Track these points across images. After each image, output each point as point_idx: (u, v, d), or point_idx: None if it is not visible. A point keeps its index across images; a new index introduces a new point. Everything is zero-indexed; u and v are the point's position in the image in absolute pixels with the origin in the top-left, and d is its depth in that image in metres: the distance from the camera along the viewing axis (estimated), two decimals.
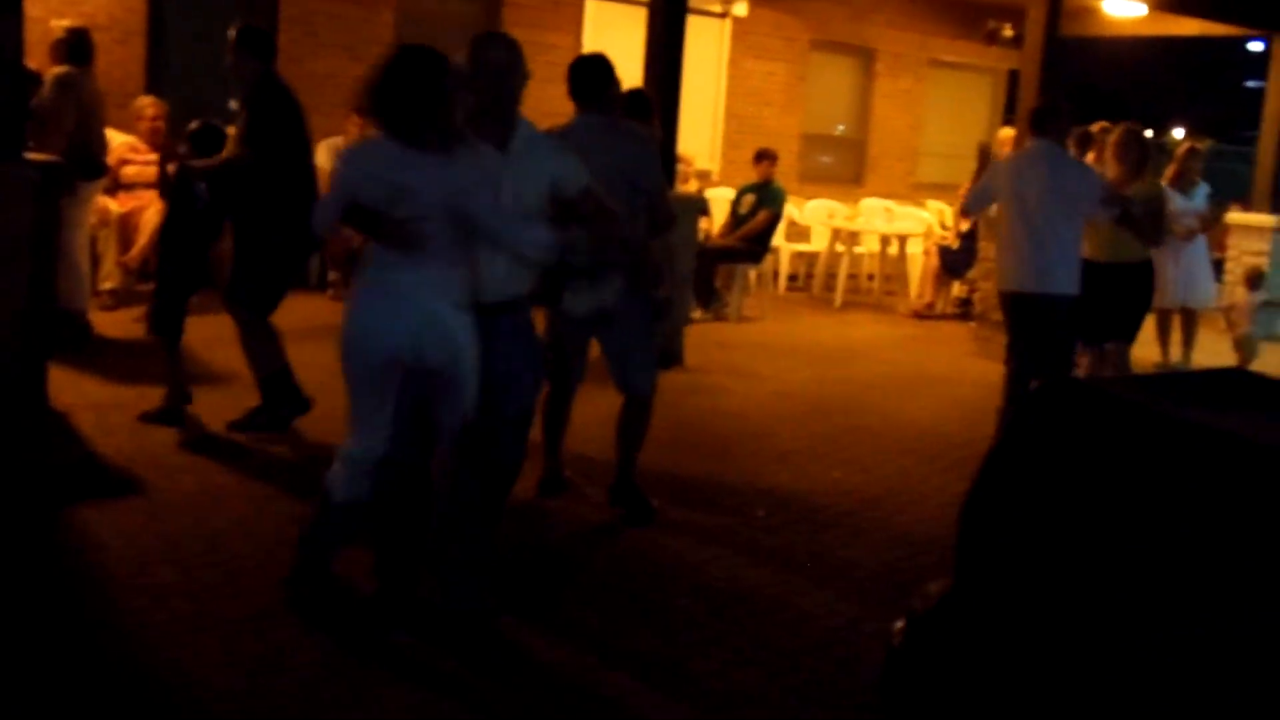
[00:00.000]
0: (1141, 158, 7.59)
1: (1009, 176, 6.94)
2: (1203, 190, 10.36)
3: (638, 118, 5.87)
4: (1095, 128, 10.27)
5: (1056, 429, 1.91)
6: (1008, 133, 11.74)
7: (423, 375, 3.94)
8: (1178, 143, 23.34)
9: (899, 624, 2.00)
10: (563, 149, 4.42)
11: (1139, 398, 1.90)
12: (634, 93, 6.12)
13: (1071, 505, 1.87)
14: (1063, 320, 6.73)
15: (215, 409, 6.23)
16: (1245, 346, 10.07)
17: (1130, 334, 7.69)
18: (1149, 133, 8.98)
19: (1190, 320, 10.17)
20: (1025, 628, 1.86)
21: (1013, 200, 6.79)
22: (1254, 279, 10.43)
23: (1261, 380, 2.07)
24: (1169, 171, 10.63)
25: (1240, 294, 10.40)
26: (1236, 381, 2.05)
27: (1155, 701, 1.73)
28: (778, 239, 12.07)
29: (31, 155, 6.23)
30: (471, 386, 3.93)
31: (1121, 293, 7.45)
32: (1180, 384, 2.06)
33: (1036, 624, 1.85)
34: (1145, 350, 10.28)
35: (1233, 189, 14.53)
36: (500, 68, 4.22)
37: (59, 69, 7.38)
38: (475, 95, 4.07)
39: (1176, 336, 10.20)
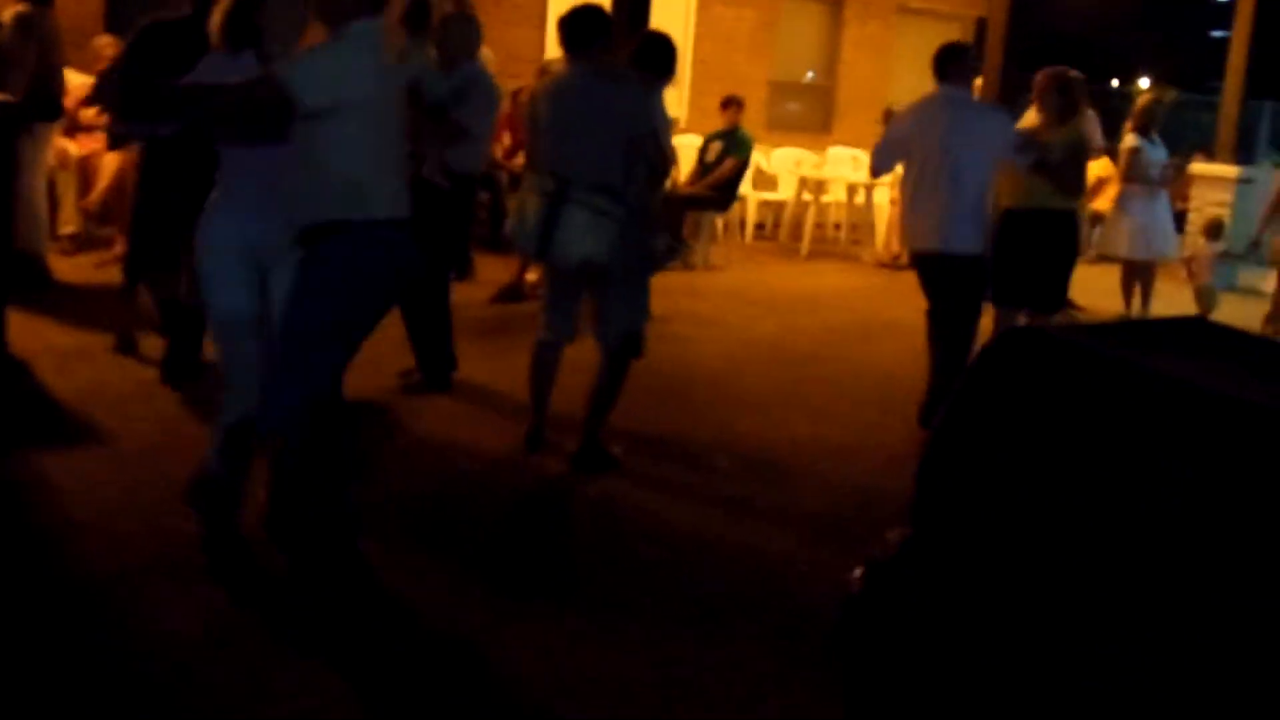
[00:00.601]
0: (1065, 104, 6.97)
1: (910, 127, 6.49)
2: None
3: (650, 68, 5.67)
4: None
5: (1017, 377, 1.91)
6: (975, 82, 11.71)
7: None
8: (1142, 92, 23.40)
9: (857, 571, 2.02)
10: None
11: (1101, 346, 1.91)
12: (649, 41, 5.82)
13: (1031, 454, 1.88)
14: (968, 282, 6.33)
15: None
16: (1205, 297, 10.16)
17: (1051, 302, 6.94)
18: (1115, 82, 8.97)
19: (1147, 272, 10.24)
20: (982, 576, 1.88)
21: (915, 152, 6.33)
22: (1213, 230, 10.50)
23: (1223, 330, 2.09)
24: (1127, 124, 10.63)
25: (1201, 245, 10.47)
26: (1199, 331, 2.06)
27: (1113, 652, 1.75)
28: (745, 187, 12.04)
29: None
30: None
31: (1041, 245, 6.78)
32: (1142, 332, 2.07)
33: (994, 572, 1.87)
34: (1108, 301, 10.38)
35: (1198, 139, 14.60)
36: None
37: (18, 7, 7.24)
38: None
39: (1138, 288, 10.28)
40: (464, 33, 6.22)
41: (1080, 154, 7.10)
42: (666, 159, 5.44)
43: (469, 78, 6.07)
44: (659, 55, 5.67)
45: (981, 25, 13.86)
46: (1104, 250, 11.13)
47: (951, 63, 6.45)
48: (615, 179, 5.08)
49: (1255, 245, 10.89)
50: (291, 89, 3.51)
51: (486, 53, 10.32)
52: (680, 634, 3.91)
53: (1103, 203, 12.12)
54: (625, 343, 5.35)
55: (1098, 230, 11.89)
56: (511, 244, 5.89)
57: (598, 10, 5.34)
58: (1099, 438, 1.87)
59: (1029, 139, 6.69)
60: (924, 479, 1.91)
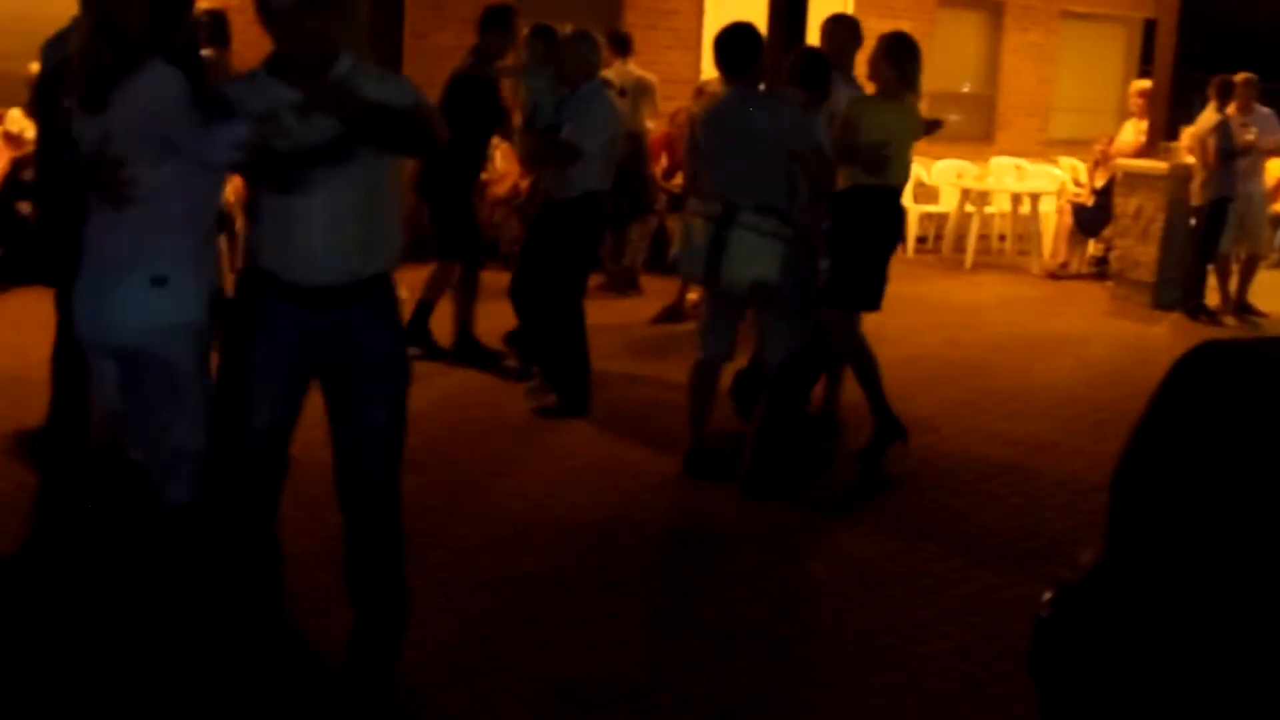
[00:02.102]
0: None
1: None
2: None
3: (810, 86, 5.64)
4: (1239, 78, 9.91)
5: (1214, 391, 1.84)
6: (1141, 84, 11.37)
7: None
8: None
9: (1047, 595, 1.96)
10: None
11: None
12: (807, 59, 5.85)
13: (1229, 472, 1.80)
14: None
15: None
16: None
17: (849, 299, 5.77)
18: None
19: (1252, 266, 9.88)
20: (1180, 600, 1.81)
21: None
22: None
23: None
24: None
25: None
26: None
27: None
28: (905, 200, 11.86)
29: None
30: None
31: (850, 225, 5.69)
32: None
33: (1190, 595, 1.80)
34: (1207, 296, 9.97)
35: None
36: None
37: (204, 53, 7.51)
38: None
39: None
40: (580, 52, 6.25)
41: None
42: (830, 176, 5.38)
43: (584, 97, 6.13)
44: (818, 73, 5.64)
45: (1150, 26, 13.45)
46: None
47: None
48: (780, 200, 5.06)
49: None
50: None
51: (648, 75, 10.47)
52: (852, 654, 3.86)
53: None
54: (790, 363, 5.31)
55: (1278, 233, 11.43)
56: (677, 270, 5.88)
57: (752, 30, 5.33)
58: None
59: None
60: (1117, 498, 1.85)
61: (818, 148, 5.24)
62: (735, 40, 5.27)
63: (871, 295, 5.77)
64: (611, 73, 9.70)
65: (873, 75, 5.90)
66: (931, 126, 6.33)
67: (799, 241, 5.10)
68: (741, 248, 4.97)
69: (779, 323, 5.28)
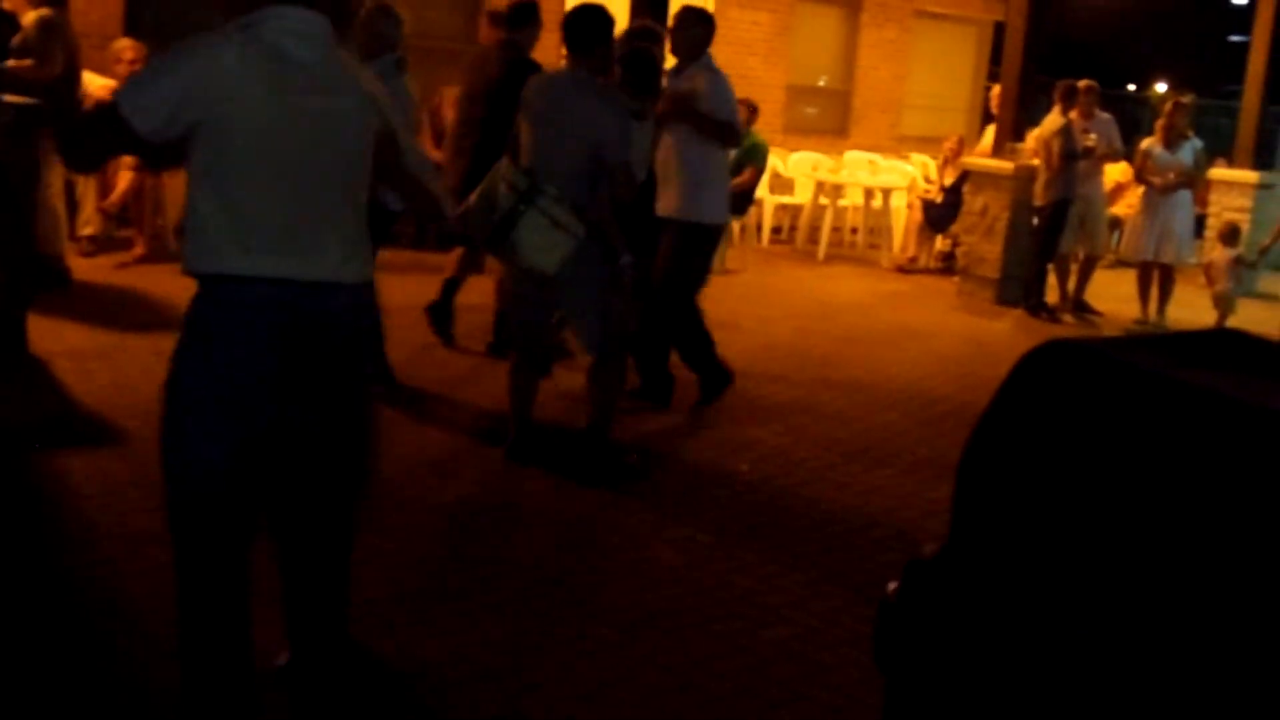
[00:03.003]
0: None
1: None
2: (1191, 145, 10.36)
3: (638, 90, 5.66)
4: (1082, 84, 10.26)
5: (1053, 389, 1.90)
6: (995, 89, 11.69)
7: None
8: (1160, 97, 23.32)
9: (892, 585, 2.01)
10: None
11: (1135, 358, 1.89)
12: (630, 59, 5.80)
13: (1067, 468, 1.86)
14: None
15: None
16: (1223, 303, 10.12)
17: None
18: (1131, 87, 8.95)
19: (1167, 275, 10.22)
20: (1017, 588, 1.87)
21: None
22: (1229, 235, 10.46)
23: (1256, 341, 2.07)
24: (1157, 125, 10.63)
25: (1219, 250, 10.43)
26: (1231, 342, 2.04)
27: (1150, 672, 1.73)
28: (761, 191, 12.02)
29: (8, 98, 6.15)
30: None
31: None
32: (1175, 345, 2.05)
33: (1028, 584, 1.86)
34: (1126, 306, 10.35)
35: (1216, 144, 14.54)
36: None
37: (41, 10, 7.26)
38: None
39: (1155, 292, 10.26)
40: (374, 27, 5.99)
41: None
42: (630, 191, 5.25)
43: (378, 74, 6.10)
44: (644, 74, 5.68)
45: (999, 29, 13.83)
46: (1123, 254, 11.12)
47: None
48: (580, 194, 5.00)
49: (1263, 253, 10.84)
50: None
51: None
52: (701, 641, 3.90)
53: (1121, 208, 12.12)
54: (607, 351, 5.28)
55: (1116, 234, 11.88)
56: (465, 224, 5.42)
57: (600, 11, 5.25)
58: (1133, 451, 1.85)
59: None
60: (960, 490, 1.90)
61: (624, 162, 5.09)
62: (580, 20, 5.22)
63: None
64: None
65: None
66: None
67: (593, 239, 5.02)
68: (531, 230, 4.87)
69: (576, 318, 5.30)
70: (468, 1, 11.90)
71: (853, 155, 14.08)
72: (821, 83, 15.02)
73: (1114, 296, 10.67)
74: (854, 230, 13.23)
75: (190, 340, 2.68)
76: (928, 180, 13.04)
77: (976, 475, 1.91)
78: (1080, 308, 10.46)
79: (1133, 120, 19.89)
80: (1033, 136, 10.32)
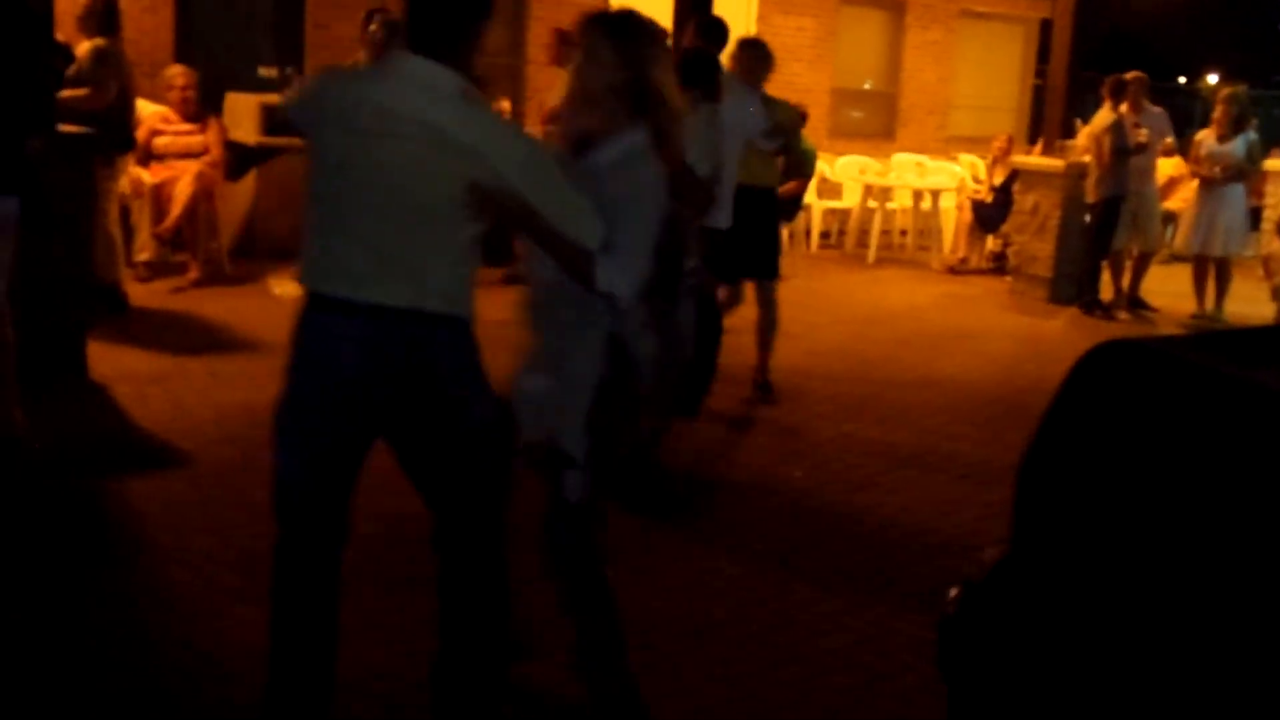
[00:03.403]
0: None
1: None
2: (1244, 138, 10.17)
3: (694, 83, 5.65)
4: (1129, 77, 10.15)
5: (1114, 390, 1.87)
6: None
7: None
8: (1212, 89, 23.01)
9: (953, 591, 1.98)
10: None
11: (1199, 357, 1.86)
12: (691, 57, 5.82)
13: (1129, 470, 1.84)
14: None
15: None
16: None
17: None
18: (1182, 80, 8.85)
19: (1223, 269, 10.07)
20: (1084, 596, 1.84)
21: None
22: None
23: None
24: (1212, 118, 10.46)
25: (1277, 243, 10.26)
26: None
27: (1215, 676, 1.71)
28: (809, 196, 11.97)
29: (64, 127, 6.25)
30: None
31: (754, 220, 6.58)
32: (1236, 341, 2.02)
33: (1096, 593, 1.83)
34: (1182, 301, 10.21)
35: (1271, 135, 14.31)
36: None
37: (95, 41, 7.38)
38: None
39: (1212, 286, 10.11)
40: None
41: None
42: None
43: None
44: (703, 71, 5.70)
45: (1046, 26, 13.72)
46: (1177, 249, 10.97)
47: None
48: None
49: None
50: None
51: None
52: (760, 651, 3.88)
53: (1175, 202, 11.95)
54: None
55: (1171, 229, 11.72)
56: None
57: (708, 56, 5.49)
58: (1195, 450, 1.82)
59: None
60: (1021, 495, 1.87)
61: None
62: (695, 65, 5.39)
63: None
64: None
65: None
66: None
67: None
68: None
69: None
70: (514, 18, 11.96)
71: (900, 157, 14.00)
72: (867, 86, 14.96)
73: (1170, 292, 10.53)
74: (903, 233, 13.15)
75: (289, 355, 2.89)
76: (976, 180, 12.94)
77: (1038, 479, 1.89)
78: (1136, 304, 10.33)
79: (1184, 113, 19.63)
80: (1084, 133, 10.21)
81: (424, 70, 2.79)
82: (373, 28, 7.82)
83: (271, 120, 8.74)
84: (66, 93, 6.94)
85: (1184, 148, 11.26)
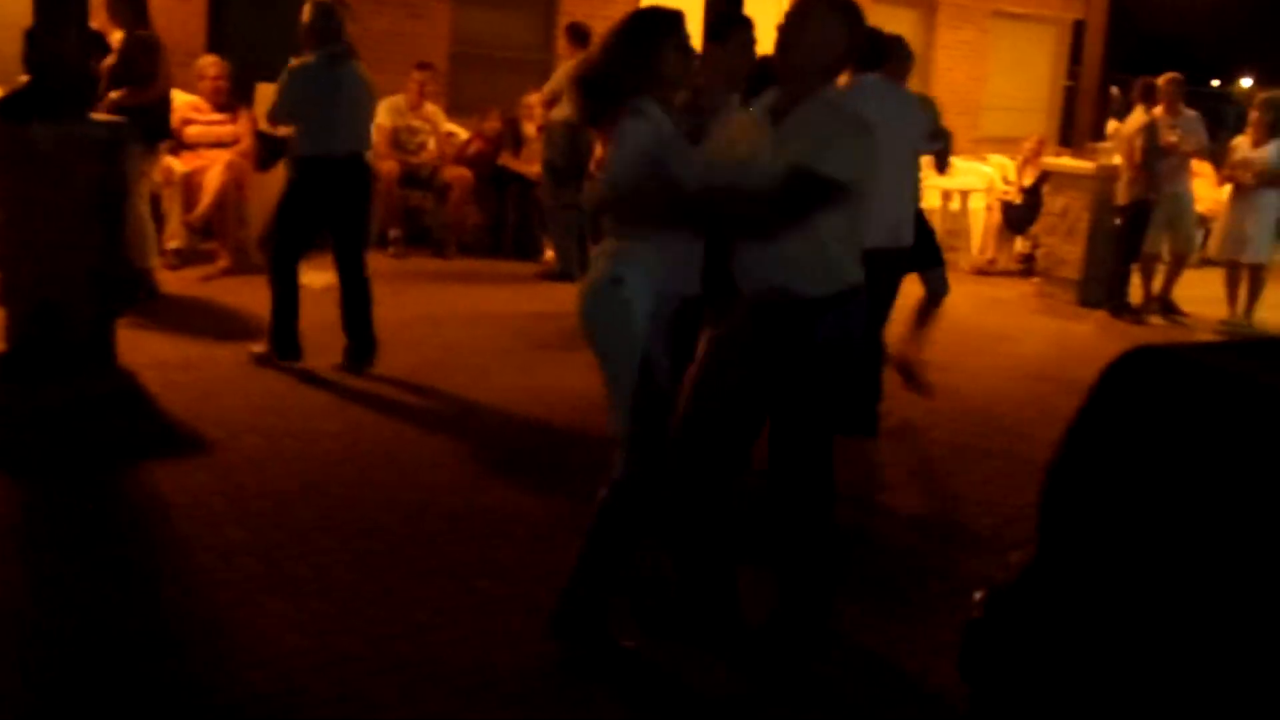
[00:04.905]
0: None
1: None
2: (1278, 143, 10.07)
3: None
4: (1162, 79, 10.07)
5: (1144, 396, 1.86)
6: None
7: None
8: (1246, 92, 22.81)
9: (978, 594, 1.98)
10: None
11: (1229, 364, 1.85)
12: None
13: (1159, 477, 1.83)
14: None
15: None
16: None
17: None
18: (1215, 82, 8.77)
19: (1256, 275, 9.98)
20: (1111, 602, 1.83)
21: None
22: None
23: None
24: (1249, 121, 10.34)
25: None
26: None
27: (1243, 685, 1.70)
28: None
29: (97, 115, 6.29)
30: None
31: None
32: (1267, 349, 2.01)
33: (1123, 599, 1.82)
34: (1214, 307, 10.13)
35: None
36: None
37: (138, 32, 7.44)
38: None
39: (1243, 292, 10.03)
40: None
41: None
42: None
43: None
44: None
45: (1079, 28, 13.65)
46: (1209, 253, 10.89)
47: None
48: None
49: None
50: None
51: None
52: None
53: (1206, 205, 11.86)
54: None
55: (1204, 233, 11.63)
56: None
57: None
58: (1225, 458, 1.81)
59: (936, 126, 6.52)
60: (1048, 500, 1.86)
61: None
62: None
63: None
64: (563, 66, 10.04)
65: None
66: None
67: None
68: None
69: None
70: (543, 13, 11.98)
71: (930, 157, 13.92)
72: None
73: (1201, 297, 10.45)
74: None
75: None
76: (1006, 181, 12.87)
77: (1066, 484, 1.88)
78: (1167, 308, 10.26)
79: (1216, 117, 19.48)
80: (1116, 135, 10.14)
81: None
82: None
83: None
84: (114, 94, 7.07)
85: (1217, 153, 11.15)
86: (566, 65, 10.25)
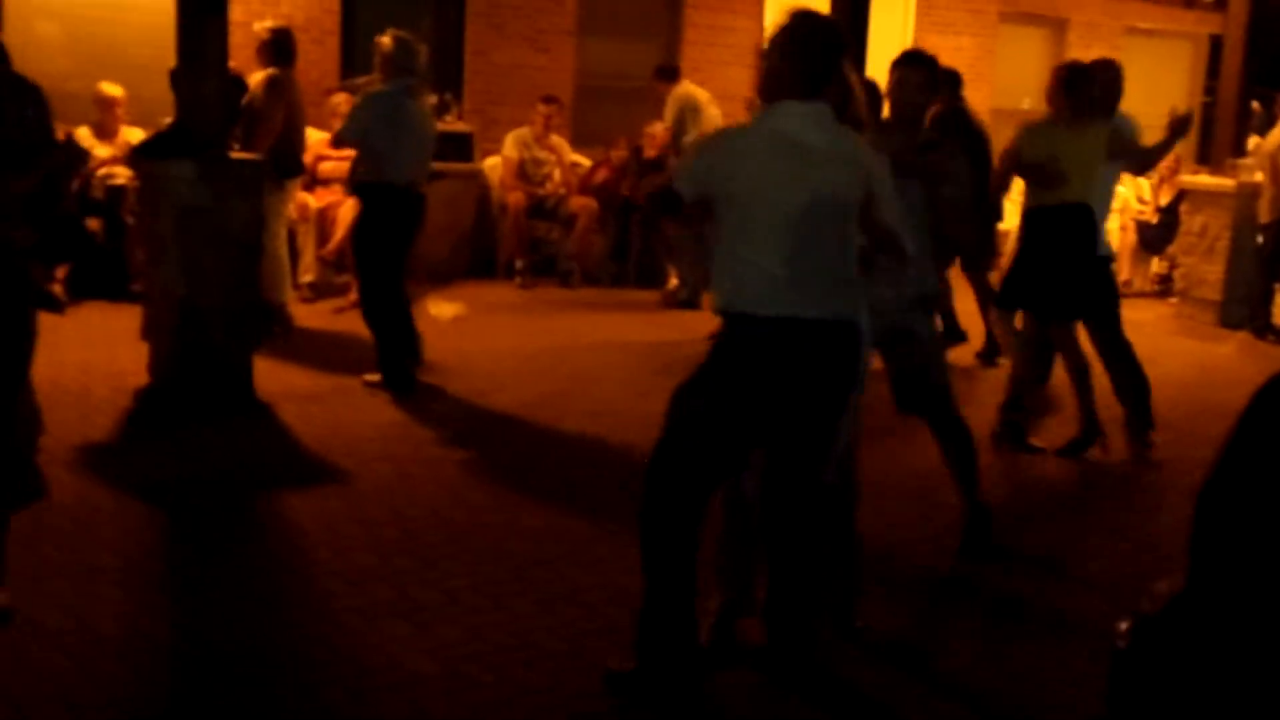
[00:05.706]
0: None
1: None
2: None
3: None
4: None
5: None
6: None
7: None
8: None
9: (1124, 625, 1.90)
10: None
11: None
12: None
13: None
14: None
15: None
16: None
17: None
18: None
19: None
20: (1268, 635, 1.74)
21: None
22: None
23: None
24: None
25: None
26: None
27: None
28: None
29: (236, 154, 6.49)
30: None
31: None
32: None
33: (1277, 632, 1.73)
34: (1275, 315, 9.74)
35: None
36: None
37: (269, 70, 7.65)
38: None
39: None
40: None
41: None
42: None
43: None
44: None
45: (1216, 43, 13.27)
46: None
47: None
48: None
49: None
50: None
51: (696, 92, 10.64)
52: (905, 681, 3.80)
53: None
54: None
55: None
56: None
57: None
58: None
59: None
60: (1199, 528, 1.78)
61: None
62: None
63: (1063, 304, 6.15)
64: (670, 99, 10.41)
65: (1050, 102, 6.62)
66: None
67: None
68: None
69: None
70: (665, 45, 12.04)
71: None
72: (1026, 105, 14.63)
73: None
74: None
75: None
76: (1141, 201, 12.54)
77: (1218, 511, 1.79)
78: None
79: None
80: (1258, 150, 9.82)
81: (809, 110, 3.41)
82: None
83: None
84: (237, 130, 7.29)
85: None
86: (677, 94, 10.55)
